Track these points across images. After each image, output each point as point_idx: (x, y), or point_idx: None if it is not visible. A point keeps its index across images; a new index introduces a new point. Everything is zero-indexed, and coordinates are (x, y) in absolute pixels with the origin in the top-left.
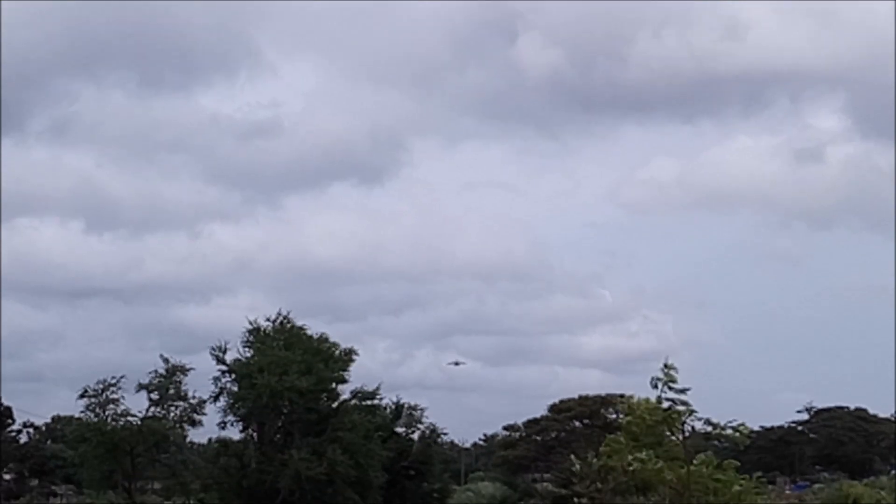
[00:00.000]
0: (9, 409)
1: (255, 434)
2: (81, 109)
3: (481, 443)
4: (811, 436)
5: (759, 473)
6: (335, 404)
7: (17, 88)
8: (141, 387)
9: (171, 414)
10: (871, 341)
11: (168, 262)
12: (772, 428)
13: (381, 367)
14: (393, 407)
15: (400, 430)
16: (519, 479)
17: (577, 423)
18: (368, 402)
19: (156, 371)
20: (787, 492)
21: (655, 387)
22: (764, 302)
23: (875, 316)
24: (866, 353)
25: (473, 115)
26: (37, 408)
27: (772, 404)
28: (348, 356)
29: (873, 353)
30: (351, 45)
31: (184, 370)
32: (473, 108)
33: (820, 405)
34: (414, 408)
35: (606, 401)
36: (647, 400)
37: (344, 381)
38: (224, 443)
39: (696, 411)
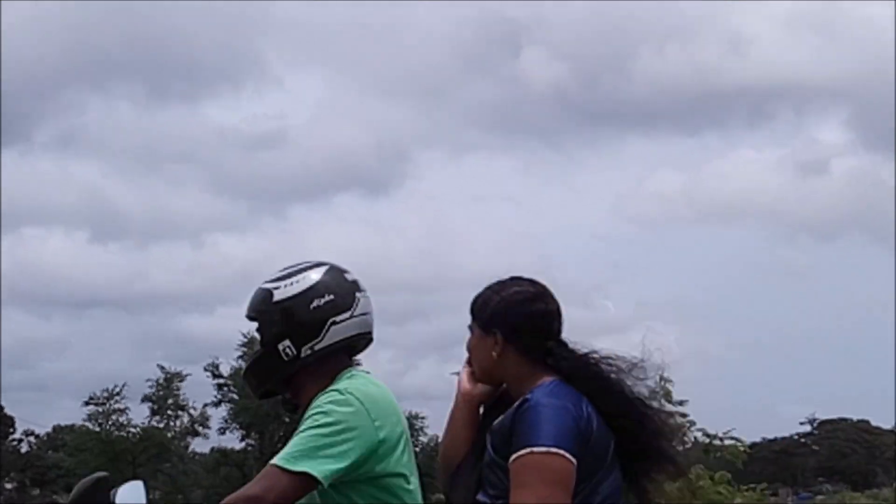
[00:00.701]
0: (10, 418)
1: (255, 443)
2: (88, 120)
3: None
4: (814, 447)
5: (764, 485)
6: None
7: (25, 99)
8: (146, 398)
9: (173, 424)
10: (874, 353)
11: (173, 272)
12: (774, 439)
13: (384, 377)
14: None
15: None
16: None
17: None
18: None
19: (154, 381)
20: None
21: (654, 399)
22: (767, 313)
23: (879, 328)
24: (869, 365)
25: (478, 127)
26: (40, 417)
27: (775, 416)
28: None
29: (876, 365)
30: (357, 57)
31: (181, 377)
32: (478, 121)
33: (823, 417)
34: (415, 417)
35: None
36: None
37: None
38: (224, 452)
39: (694, 423)
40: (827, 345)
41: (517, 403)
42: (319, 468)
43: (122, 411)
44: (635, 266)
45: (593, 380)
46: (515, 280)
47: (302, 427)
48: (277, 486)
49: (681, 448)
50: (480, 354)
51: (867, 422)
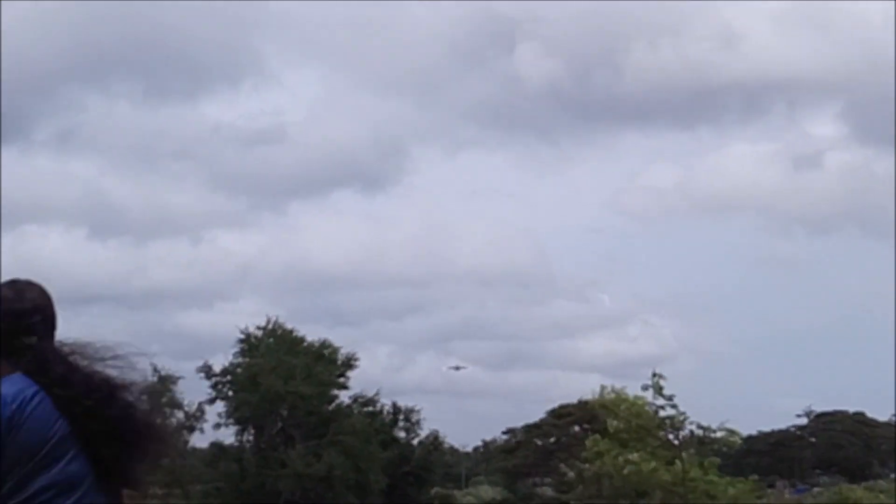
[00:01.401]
0: None
1: (252, 437)
2: (87, 118)
3: (482, 448)
4: (810, 440)
5: (756, 476)
6: (334, 407)
7: (24, 97)
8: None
9: (170, 422)
10: (870, 346)
11: (172, 268)
12: (771, 432)
13: (382, 372)
14: (391, 411)
15: (401, 435)
16: (519, 484)
17: (577, 428)
18: (370, 408)
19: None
20: (787, 496)
21: (646, 390)
22: (764, 307)
23: (874, 321)
24: (865, 358)
25: (474, 123)
26: None
27: (771, 408)
28: (350, 361)
29: (872, 358)
30: (354, 54)
31: (173, 380)
32: (474, 117)
33: (819, 409)
34: (411, 410)
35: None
36: (625, 399)
37: (345, 386)
38: (222, 447)
39: (687, 416)
40: (823, 338)
41: None
42: None
43: None
44: (631, 260)
45: (56, 369)
46: (7, 283)
47: None
48: None
49: (163, 423)
50: None
51: (863, 414)
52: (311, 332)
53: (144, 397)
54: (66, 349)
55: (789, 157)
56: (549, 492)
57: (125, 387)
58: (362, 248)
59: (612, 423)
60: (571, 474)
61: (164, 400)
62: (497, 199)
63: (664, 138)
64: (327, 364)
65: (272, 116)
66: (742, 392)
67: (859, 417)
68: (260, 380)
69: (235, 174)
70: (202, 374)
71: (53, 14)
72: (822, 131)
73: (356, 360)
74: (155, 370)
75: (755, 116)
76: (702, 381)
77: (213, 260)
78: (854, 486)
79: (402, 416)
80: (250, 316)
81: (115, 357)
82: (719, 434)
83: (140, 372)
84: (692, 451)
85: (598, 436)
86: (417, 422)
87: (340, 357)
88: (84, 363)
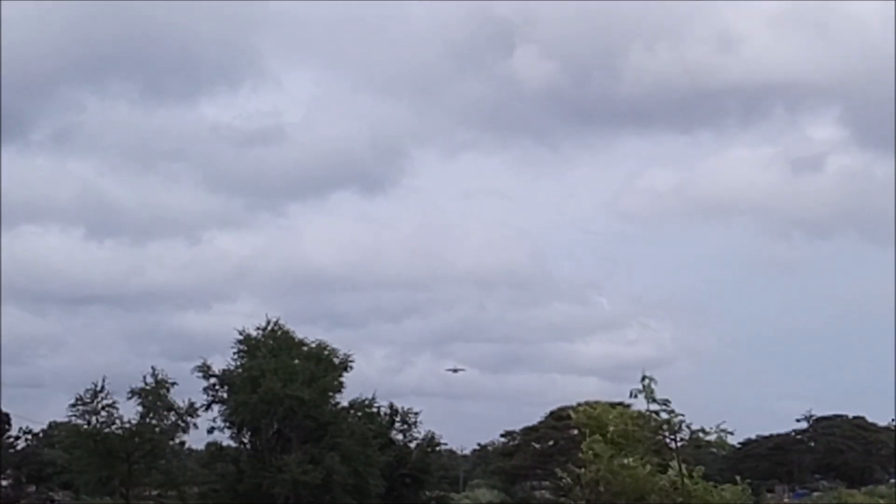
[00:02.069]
0: (6, 415)
1: (249, 440)
2: (85, 118)
3: (478, 450)
4: (810, 444)
5: (749, 480)
6: (332, 411)
7: (22, 97)
8: (133, 393)
9: (165, 423)
10: (869, 350)
11: (169, 268)
12: (770, 436)
13: (379, 374)
14: (388, 413)
15: (398, 437)
16: (517, 486)
17: (575, 431)
18: (367, 410)
19: (145, 382)
20: (786, 500)
21: (634, 397)
22: (762, 310)
23: (874, 325)
24: (865, 362)
25: (472, 125)
26: (36, 414)
27: (770, 412)
28: (346, 363)
29: (872, 362)
30: (352, 55)
31: (167, 384)
32: (472, 119)
33: (819, 413)
34: (408, 412)
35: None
36: (614, 406)
37: (341, 389)
38: (220, 448)
39: (684, 418)
40: (822, 341)
41: None
42: None
43: (111, 406)
44: (629, 263)
45: None
46: None
47: None
48: None
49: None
50: None
51: (863, 418)
52: (309, 334)
53: None
54: None
55: (788, 161)
56: (546, 495)
57: None
58: (360, 250)
59: (610, 428)
60: (568, 479)
61: (158, 403)
62: (495, 202)
63: (662, 141)
64: (327, 368)
65: (270, 117)
66: (741, 396)
67: (859, 422)
68: (260, 381)
69: (233, 175)
70: (199, 374)
71: (52, 15)
72: (822, 135)
73: (351, 361)
74: (152, 373)
75: (755, 120)
76: (701, 385)
77: (211, 261)
78: (854, 491)
79: (398, 418)
80: (247, 317)
81: None
82: (712, 436)
83: None
84: (682, 459)
85: (597, 436)
86: (414, 423)
87: (337, 359)
88: None
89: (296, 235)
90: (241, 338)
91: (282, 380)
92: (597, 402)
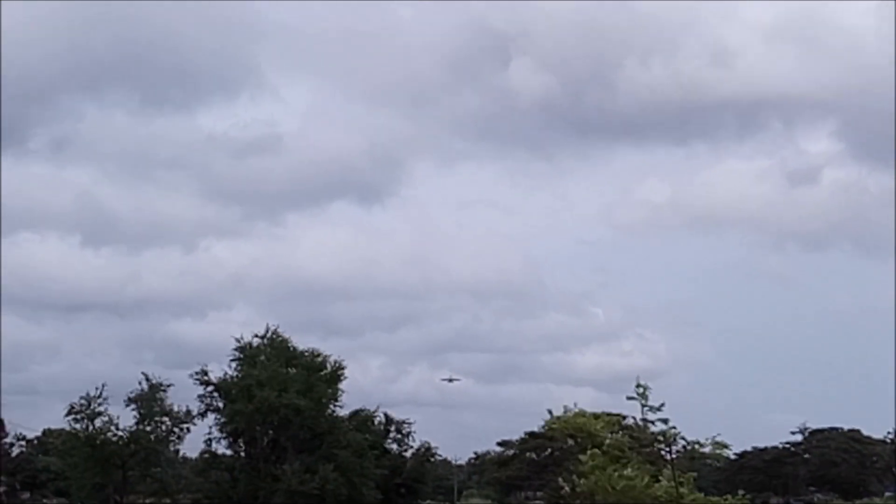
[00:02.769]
0: (1, 421)
1: (244, 449)
2: (83, 127)
3: (474, 460)
4: (805, 456)
5: (743, 492)
6: (328, 419)
7: (21, 105)
8: (130, 401)
9: (160, 429)
10: (864, 363)
11: (165, 277)
12: (765, 448)
13: (375, 383)
14: (383, 423)
15: (393, 447)
16: (512, 497)
17: (571, 442)
18: (364, 421)
19: (140, 388)
20: None
21: (631, 400)
22: (757, 322)
23: (868, 338)
24: (860, 375)
25: (468, 136)
26: (30, 421)
27: (765, 425)
28: (338, 370)
29: (867, 375)
30: (349, 67)
31: (162, 387)
32: (468, 130)
33: (814, 426)
34: (402, 423)
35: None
36: (597, 417)
37: (336, 398)
38: (214, 455)
39: (677, 430)
40: (817, 353)
41: None
42: None
43: (105, 413)
44: (624, 273)
45: None
46: None
47: None
48: None
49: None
50: None
51: (858, 431)
52: (304, 343)
53: None
54: None
55: (783, 173)
56: None
57: None
58: (356, 259)
59: (606, 440)
60: (567, 488)
61: (155, 409)
62: (491, 212)
63: (657, 153)
64: (322, 377)
65: (267, 127)
66: (736, 407)
67: (854, 435)
68: (254, 391)
69: (230, 184)
70: (196, 381)
71: (51, 24)
72: (817, 148)
73: (343, 368)
74: (146, 378)
75: (750, 132)
76: (695, 396)
77: (207, 269)
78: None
79: (393, 428)
80: (242, 326)
81: None
82: (707, 448)
83: None
84: (676, 469)
85: (596, 450)
86: (409, 434)
87: (329, 366)
88: None
89: (292, 244)
90: (239, 346)
91: (276, 389)
92: (581, 412)
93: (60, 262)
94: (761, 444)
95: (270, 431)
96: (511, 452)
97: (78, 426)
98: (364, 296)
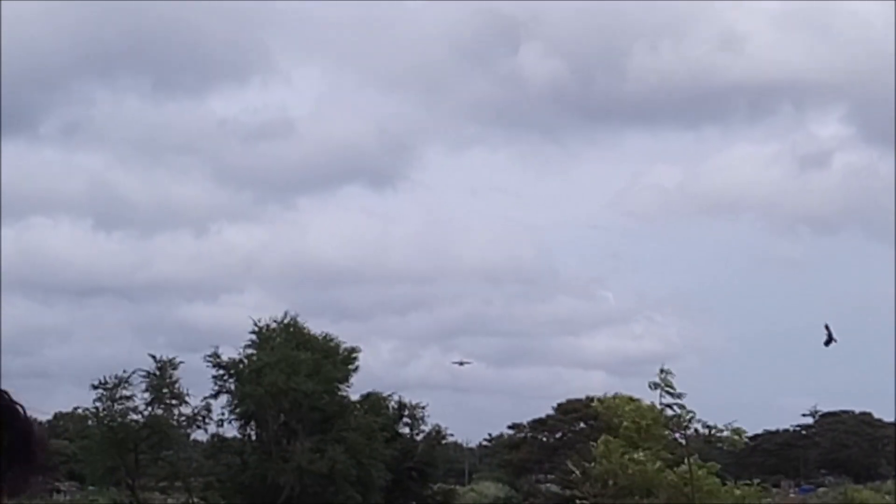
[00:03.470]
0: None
1: (254, 432)
2: (95, 111)
3: (485, 443)
4: (816, 440)
5: (759, 479)
6: (339, 402)
7: (33, 90)
8: (148, 374)
9: (176, 413)
10: (875, 346)
11: (177, 261)
12: (776, 432)
13: (386, 367)
14: (396, 406)
15: (404, 431)
16: (523, 480)
17: (582, 425)
18: (376, 404)
19: (147, 371)
20: (792, 495)
21: (656, 388)
22: (768, 306)
23: (879, 321)
24: (871, 358)
25: (479, 121)
26: (41, 404)
27: (776, 408)
28: (351, 355)
29: (878, 358)
30: (360, 52)
31: (173, 364)
32: (479, 115)
33: (825, 409)
34: (415, 406)
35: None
36: (629, 400)
37: (347, 380)
38: (224, 440)
39: (694, 414)
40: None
41: None
42: None
43: (129, 398)
44: (635, 258)
45: None
46: None
47: None
48: None
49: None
50: None
51: (869, 414)
52: (315, 327)
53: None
54: None
55: (794, 158)
56: (552, 488)
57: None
58: (367, 244)
59: (623, 423)
60: (578, 473)
61: (165, 391)
62: (501, 197)
63: (669, 138)
64: (335, 361)
65: (279, 112)
66: (747, 391)
67: (865, 418)
68: (264, 374)
69: (241, 168)
70: (208, 363)
71: (63, 9)
72: (828, 132)
73: (357, 353)
74: (154, 360)
75: (760, 117)
76: (707, 380)
77: (218, 253)
78: (859, 487)
79: (406, 412)
80: (254, 310)
81: None
82: (725, 433)
83: None
84: (696, 455)
85: (609, 437)
86: (421, 417)
87: (342, 351)
88: None
89: (303, 229)
90: (255, 329)
91: (285, 372)
92: (616, 395)
93: (72, 246)
94: (772, 428)
95: (281, 414)
96: (522, 435)
97: (99, 405)
98: (375, 280)
